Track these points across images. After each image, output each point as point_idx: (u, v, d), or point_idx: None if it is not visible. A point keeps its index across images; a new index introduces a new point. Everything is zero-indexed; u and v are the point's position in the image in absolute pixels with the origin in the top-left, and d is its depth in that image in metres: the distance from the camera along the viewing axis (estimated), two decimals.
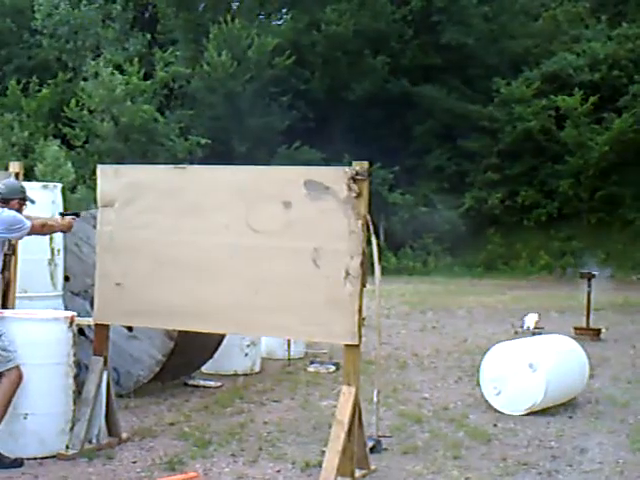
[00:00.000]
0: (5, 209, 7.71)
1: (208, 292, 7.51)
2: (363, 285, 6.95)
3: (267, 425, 9.07)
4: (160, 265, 7.71)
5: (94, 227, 9.44)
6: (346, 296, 6.93)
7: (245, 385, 11.15)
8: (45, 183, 10.89)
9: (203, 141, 36.49)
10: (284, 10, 45.62)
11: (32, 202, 8.08)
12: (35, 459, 7.55)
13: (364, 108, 39.01)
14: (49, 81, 38.44)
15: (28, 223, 7.73)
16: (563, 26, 41.71)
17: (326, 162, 32.79)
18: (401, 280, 29.80)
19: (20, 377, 7.44)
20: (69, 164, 31.78)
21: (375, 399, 7.96)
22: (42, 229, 8.15)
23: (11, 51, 40.75)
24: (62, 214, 8.40)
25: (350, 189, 6.94)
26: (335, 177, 7.03)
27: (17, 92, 37.15)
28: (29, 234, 7.87)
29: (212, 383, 11.10)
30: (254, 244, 7.31)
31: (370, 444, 7.74)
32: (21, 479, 7.11)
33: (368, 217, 7.01)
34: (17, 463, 7.41)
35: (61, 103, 36.82)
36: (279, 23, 44.11)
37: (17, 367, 7.43)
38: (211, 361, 11.40)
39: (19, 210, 7.88)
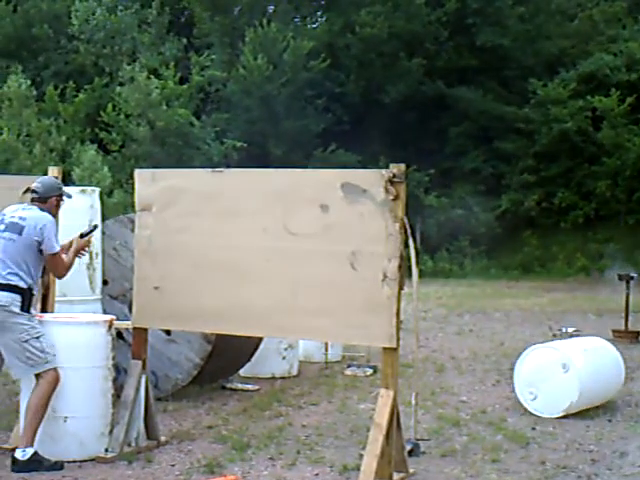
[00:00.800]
0: (45, 214, 7.71)
1: (246, 295, 7.52)
2: (401, 288, 6.93)
3: (305, 428, 9.07)
4: (198, 269, 7.74)
5: (132, 231, 9.49)
6: (384, 299, 6.92)
7: (283, 388, 11.16)
8: (83, 187, 10.96)
9: (239, 144, 36.57)
10: (319, 13, 45.67)
11: (69, 197, 8.05)
12: (75, 462, 7.58)
13: (399, 110, 38.97)
14: (86, 86, 38.68)
15: (57, 248, 7.66)
16: (600, 26, 41.44)
17: (362, 165, 32.80)
18: (437, 283, 29.73)
19: (57, 379, 7.47)
20: (105, 168, 31.97)
21: (413, 402, 7.94)
22: (67, 264, 7.88)
23: (49, 57, 41.06)
24: (82, 235, 8.24)
25: (387, 192, 6.93)
26: (372, 180, 7.02)
27: (55, 97, 37.41)
28: (52, 263, 7.70)
29: (250, 386, 11.11)
30: (291, 247, 7.32)
31: (408, 447, 7.72)
32: None
33: (405, 220, 6.99)
34: (57, 466, 7.46)
35: (98, 108, 37.06)
36: (314, 26, 44.15)
37: (54, 369, 7.47)
38: (249, 364, 11.42)
39: (57, 206, 7.87)
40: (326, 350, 12.85)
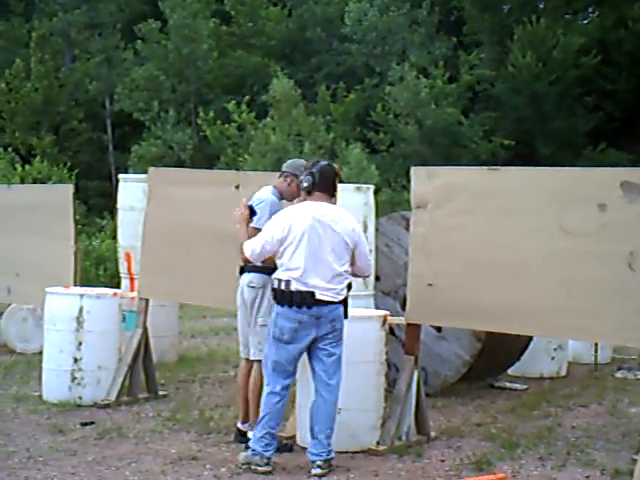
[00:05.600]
0: (267, 190, 7.79)
1: (519, 294, 7.53)
2: None
3: (575, 430, 8.95)
4: (472, 267, 7.79)
5: (404, 228, 9.68)
6: None
7: (551, 389, 11.06)
8: (358, 185, 11.14)
9: (506, 142, 36.33)
10: (590, 8, 44.60)
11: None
12: (347, 453, 7.76)
13: None
14: (356, 86, 39.40)
15: (255, 223, 7.60)
16: None
17: (632, 164, 31.82)
18: None
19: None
20: (373, 167, 32.41)
21: None
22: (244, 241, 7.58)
23: (321, 59, 42.11)
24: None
25: None
26: None
27: (326, 97, 38.30)
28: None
29: (518, 385, 11.07)
30: (567, 247, 7.27)
31: None
32: (334, 471, 7.36)
33: None
34: (287, 448, 7.77)
35: (367, 108, 37.65)
36: (585, 22, 43.16)
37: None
38: (517, 363, 11.38)
39: (289, 186, 7.80)
40: (595, 352, 12.61)
